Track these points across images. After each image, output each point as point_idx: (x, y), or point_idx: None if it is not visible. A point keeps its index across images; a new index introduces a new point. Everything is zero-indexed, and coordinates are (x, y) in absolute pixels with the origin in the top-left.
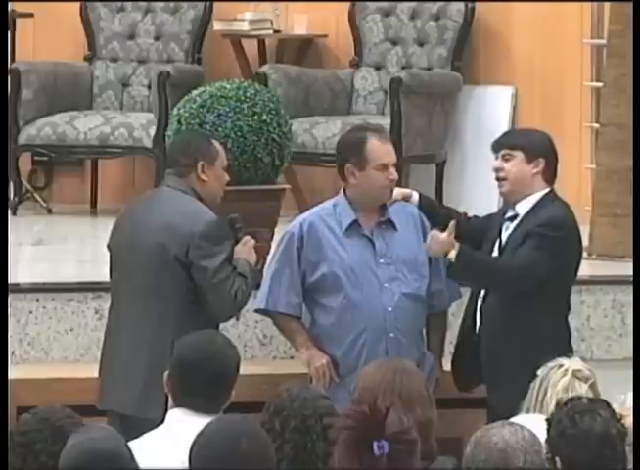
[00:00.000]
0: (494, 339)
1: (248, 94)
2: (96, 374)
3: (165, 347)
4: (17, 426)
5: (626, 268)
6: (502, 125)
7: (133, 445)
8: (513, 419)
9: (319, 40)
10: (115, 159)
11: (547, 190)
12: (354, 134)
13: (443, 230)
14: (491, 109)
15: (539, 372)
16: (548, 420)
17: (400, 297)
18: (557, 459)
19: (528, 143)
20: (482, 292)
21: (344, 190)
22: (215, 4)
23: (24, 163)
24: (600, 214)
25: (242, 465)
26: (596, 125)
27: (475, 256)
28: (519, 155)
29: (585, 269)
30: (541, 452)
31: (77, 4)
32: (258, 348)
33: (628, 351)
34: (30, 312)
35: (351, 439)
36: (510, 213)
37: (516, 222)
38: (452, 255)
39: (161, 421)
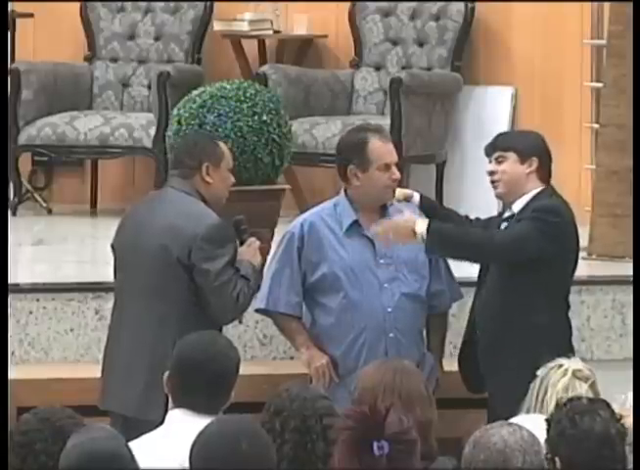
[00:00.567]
0: (490, 337)
1: (248, 94)
2: (96, 374)
3: (167, 348)
4: (17, 426)
5: (626, 268)
6: (502, 125)
7: (133, 445)
8: (513, 419)
9: (319, 40)
10: (115, 159)
11: (542, 188)
12: (355, 135)
13: None
14: (491, 109)
15: (539, 372)
16: (548, 420)
17: (400, 297)
18: (557, 459)
19: (521, 143)
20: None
21: (345, 190)
22: (215, 4)
23: (24, 163)
24: (600, 215)
25: (242, 465)
26: (596, 126)
27: (445, 228)
28: (511, 156)
29: (585, 269)
30: (540, 453)
31: (77, 4)
32: (258, 348)
33: (628, 351)
34: (30, 313)
35: (351, 439)
36: (507, 214)
37: (511, 221)
38: (421, 229)
39: (162, 422)
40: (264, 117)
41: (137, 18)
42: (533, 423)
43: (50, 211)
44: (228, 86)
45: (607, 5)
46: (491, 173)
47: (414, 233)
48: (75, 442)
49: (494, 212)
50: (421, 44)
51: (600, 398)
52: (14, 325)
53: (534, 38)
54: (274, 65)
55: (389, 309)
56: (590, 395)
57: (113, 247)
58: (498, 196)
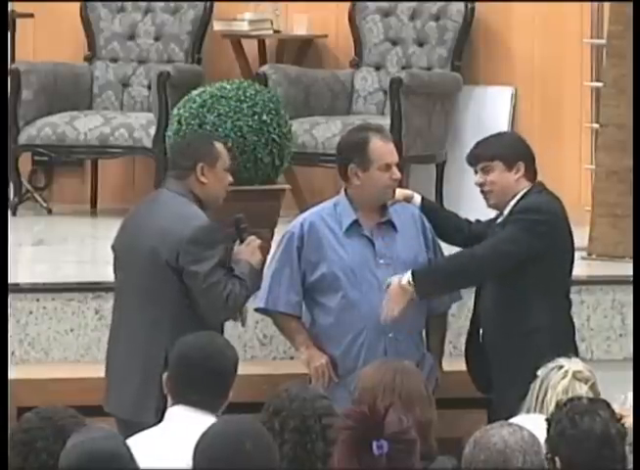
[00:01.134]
0: (493, 341)
1: (248, 94)
2: (96, 374)
3: (160, 351)
4: (19, 424)
5: (626, 268)
6: (502, 125)
7: (132, 442)
8: (513, 419)
9: (319, 40)
10: (115, 159)
11: (529, 187)
12: (356, 134)
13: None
14: (491, 109)
15: (539, 372)
16: (548, 420)
17: None
18: (557, 459)
19: (504, 150)
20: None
21: (345, 190)
22: (215, 4)
23: (24, 163)
24: (600, 215)
25: (246, 465)
26: (596, 126)
27: (427, 269)
28: (498, 165)
29: (585, 269)
30: (540, 453)
31: (77, 4)
32: (258, 348)
33: (628, 351)
34: (30, 313)
35: (351, 439)
36: (500, 219)
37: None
38: (406, 280)
39: (160, 420)
40: (264, 117)
41: (137, 18)
42: (534, 423)
43: (50, 212)
44: (228, 86)
45: (607, 5)
46: (481, 185)
47: (405, 290)
48: (75, 441)
49: (494, 213)
50: (421, 44)
51: (600, 398)
52: (14, 325)
53: (534, 38)
54: (274, 65)
55: None
56: (590, 396)
57: (113, 247)
58: (491, 207)
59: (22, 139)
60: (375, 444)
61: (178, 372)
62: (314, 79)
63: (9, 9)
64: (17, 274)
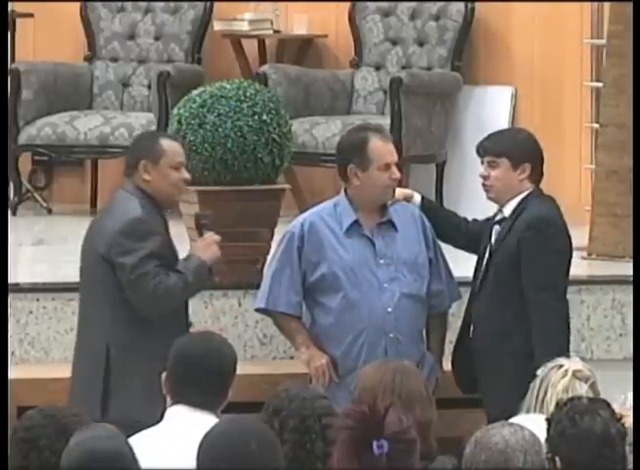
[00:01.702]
0: (487, 343)
1: (248, 94)
2: None
3: (101, 346)
4: (21, 422)
5: (626, 268)
6: (502, 125)
7: (132, 441)
8: (513, 419)
9: (319, 40)
10: (115, 159)
11: (530, 189)
12: (356, 134)
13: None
14: (491, 109)
15: (539, 372)
16: (548, 420)
17: (400, 297)
18: (557, 459)
19: (514, 149)
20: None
21: (345, 190)
22: (215, 4)
23: (24, 163)
24: (600, 214)
25: (251, 465)
26: (596, 125)
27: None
28: (504, 162)
29: (585, 269)
30: (541, 453)
31: (77, 4)
32: (258, 347)
33: (628, 350)
34: (30, 312)
35: (351, 438)
36: (498, 217)
37: (503, 225)
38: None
39: (160, 419)
40: (264, 117)
41: (137, 17)
42: (534, 423)
43: (50, 211)
44: (228, 86)
45: (607, 5)
46: (484, 178)
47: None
48: (77, 440)
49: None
50: (421, 44)
51: (600, 397)
52: (14, 325)
53: (534, 38)
54: (274, 64)
55: (389, 309)
56: (590, 395)
57: None
58: (489, 199)
59: (23, 139)
60: (375, 443)
61: (177, 372)
62: (314, 79)
63: (9, 9)
64: (17, 274)
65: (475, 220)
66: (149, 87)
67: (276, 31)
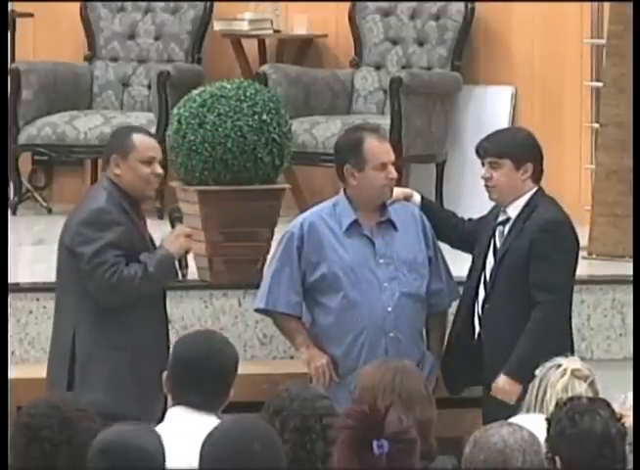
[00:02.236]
0: (501, 344)
1: (248, 94)
2: None
3: (67, 336)
4: (26, 407)
5: (626, 268)
6: (502, 125)
7: None
8: (513, 419)
9: (319, 40)
10: None
11: (535, 189)
12: (352, 135)
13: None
14: (491, 109)
15: (537, 372)
16: (548, 420)
17: (400, 296)
18: (557, 459)
19: (515, 149)
20: (481, 297)
21: (345, 190)
22: (215, 4)
23: (25, 162)
24: (600, 214)
25: (253, 466)
26: (596, 125)
27: (520, 358)
28: (507, 163)
29: (585, 269)
30: (540, 452)
31: (77, 4)
32: (258, 347)
33: (628, 350)
34: (30, 312)
35: (351, 438)
36: (501, 217)
37: (508, 226)
38: (504, 382)
39: (161, 419)
40: (264, 117)
41: (137, 17)
42: (534, 423)
43: (50, 211)
44: (228, 86)
45: (607, 5)
46: (486, 179)
47: (512, 388)
48: (109, 434)
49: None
50: (421, 44)
51: (600, 397)
52: (14, 324)
53: (534, 38)
54: (274, 64)
55: (389, 309)
56: (590, 393)
57: None
58: (492, 200)
59: (23, 139)
60: (375, 443)
61: (176, 372)
62: (314, 79)
63: (9, 9)
64: (17, 274)
65: (469, 220)
66: (149, 87)
67: (276, 31)
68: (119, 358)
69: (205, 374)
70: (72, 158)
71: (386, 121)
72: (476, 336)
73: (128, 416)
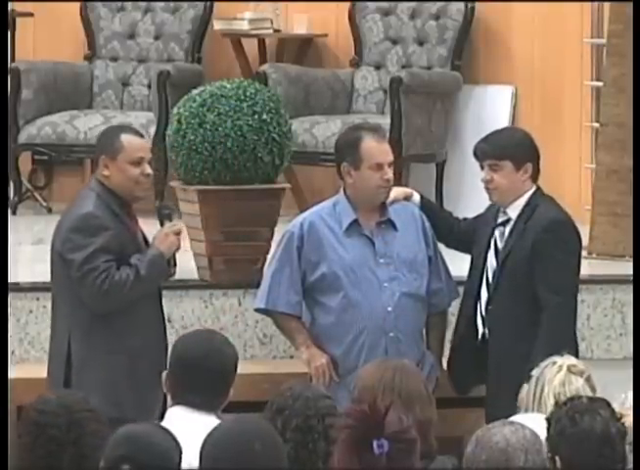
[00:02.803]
0: (506, 344)
1: (248, 93)
2: None
3: (62, 342)
4: (35, 402)
5: (626, 268)
6: (502, 125)
7: None
8: (514, 418)
9: (319, 40)
10: None
11: (534, 188)
12: (351, 133)
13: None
14: (491, 108)
15: (534, 372)
16: (548, 419)
17: (400, 296)
18: (557, 459)
19: (515, 150)
20: (483, 298)
21: (344, 189)
22: (215, 3)
23: (25, 162)
24: (600, 214)
25: (253, 466)
26: (596, 125)
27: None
28: (507, 164)
29: (585, 268)
30: (542, 452)
31: (77, 4)
32: (258, 347)
33: (628, 350)
34: (30, 312)
35: (351, 438)
36: (502, 218)
37: (509, 226)
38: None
39: (161, 419)
40: (264, 117)
41: (137, 17)
42: (534, 422)
43: (50, 211)
44: (228, 85)
45: (607, 5)
46: (487, 182)
47: None
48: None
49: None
50: (421, 43)
51: (600, 397)
52: (14, 324)
53: (534, 38)
54: (274, 64)
55: (389, 309)
56: (586, 388)
57: None
58: (493, 202)
59: (23, 138)
60: (375, 443)
61: (176, 372)
62: (314, 78)
63: (9, 8)
64: (17, 273)
65: (464, 219)
66: (149, 86)
67: (276, 31)
68: (115, 363)
69: (204, 374)
70: (72, 157)
71: (386, 121)
72: (479, 337)
73: (126, 420)
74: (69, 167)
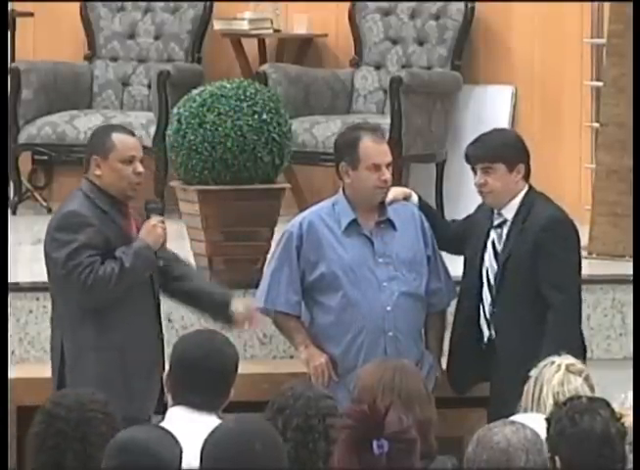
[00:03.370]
0: (514, 345)
1: (248, 93)
2: None
3: (58, 342)
4: (55, 394)
5: (626, 268)
6: (502, 125)
7: None
8: (514, 417)
9: (319, 40)
10: None
11: (527, 188)
12: (350, 133)
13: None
14: (491, 108)
15: (532, 373)
16: (548, 419)
17: (399, 296)
18: (557, 459)
19: (507, 152)
20: (487, 301)
21: (343, 189)
22: (215, 3)
23: (25, 162)
24: (600, 214)
25: (254, 466)
26: (596, 125)
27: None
28: (500, 167)
29: (585, 268)
30: (543, 452)
31: (77, 4)
32: (258, 347)
33: (628, 350)
34: (30, 312)
35: (351, 438)
36: (498, 220)
37: (506, 228)
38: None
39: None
40: (264, 116)
41: (137, 17)
42: (534, 422)
43: (50, 211)
44: (228, 85)
45: (607, 5)
46: (481, 185)
47: None
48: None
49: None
50: (421, 43)
51: (600, 397)
52: (14, 324)
53: (534, 38)
54: (274, 64)
55: (389, 308)
56: (585, 388)
57: None
58: (489, 205)
59: (23, 138)
60: (375, 443)
61: (177, 372)
62: (314, 78)
63: (9, 8)
64: (17, 273)
65: (453, 221)
66: (149, 86)
67: (276, 31)
68: (107, 358)
69: (205, 374)
70: (72, 157)
71: (386, 121)
72: (485, 339)
73: (119, 416)
74: (69, 167)
